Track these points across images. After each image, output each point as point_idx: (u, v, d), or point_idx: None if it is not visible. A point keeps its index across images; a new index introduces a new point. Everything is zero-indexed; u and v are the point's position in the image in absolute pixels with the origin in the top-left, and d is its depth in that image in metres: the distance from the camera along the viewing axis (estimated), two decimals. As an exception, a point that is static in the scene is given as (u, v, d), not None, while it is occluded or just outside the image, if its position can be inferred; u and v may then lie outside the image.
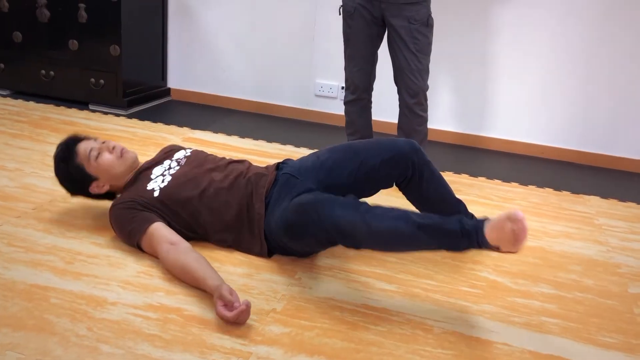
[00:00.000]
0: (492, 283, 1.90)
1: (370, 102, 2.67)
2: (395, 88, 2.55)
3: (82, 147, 1.96)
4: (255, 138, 3.19)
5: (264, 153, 2.95)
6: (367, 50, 2.53)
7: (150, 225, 1.81)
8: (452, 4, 3.20)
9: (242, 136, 3.22)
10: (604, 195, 2.78)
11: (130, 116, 3.41)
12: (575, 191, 2.81)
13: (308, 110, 3.65)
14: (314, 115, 3.64)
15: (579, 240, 2.28)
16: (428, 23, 2.43)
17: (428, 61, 2.48)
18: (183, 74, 3.87)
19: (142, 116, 3.42)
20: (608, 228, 2.41)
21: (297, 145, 3.12)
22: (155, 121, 3.33)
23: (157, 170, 1.98)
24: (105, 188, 1.99)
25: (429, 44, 2.47)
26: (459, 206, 2.04)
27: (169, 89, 3.92)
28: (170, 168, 1.98)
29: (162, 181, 1.92)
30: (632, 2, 3.01)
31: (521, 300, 1.81)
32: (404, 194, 2.03)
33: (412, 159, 1.93)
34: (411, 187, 1.98)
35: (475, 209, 2.35)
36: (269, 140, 3.18)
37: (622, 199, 2.76)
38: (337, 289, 1.78)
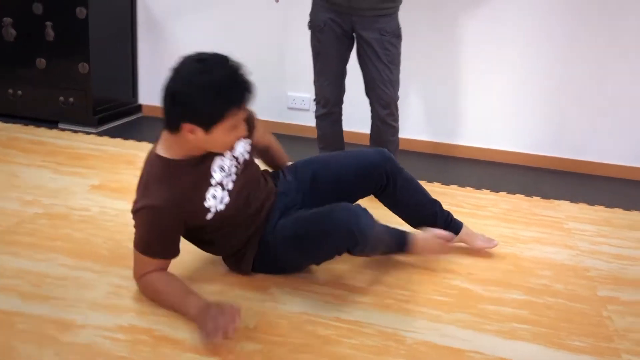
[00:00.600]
0: (464, 291, 1.91)
1: (341, 115, 2.68)
2: (365, 99, 2.57)
3: (243, 111, 1.65)
4: (228, 152, 3.17)
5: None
6: (337, 64, 2.54)
7: (168, 259, 1.72)
8: (420, 12, 3.23)
9: (215, 151, 3.19)
10: (574, 200, 2.82)
11: (100, 134, 3.37)
12: (545, 196, 2.85)
13: (281, 122, 3.65)
14: (287, 128, 3.64)
15: (549, 245, 2.31)
16: (398, 34, 2.46)
17: (398, 72, 2.51)
18: (154, 90, 3.79)
19: (113, 133, 3.39)
20: (577, 232, 2.45)
21: (270, 159, 3.11)
22: (126, 138, 3.29)
23: (217, 171, 1.72)
24: (190, 138, 1.61)
25: (399, 54, 2.49)
26: (435, 206, 2.11)
27: (140, 105, 3.89)
28: (229, 174, 1.75)
29: (221, 201, 1.73)
30: (602, 9, 3.07)
31: (492, 307, 1.83)
32: (380, 201, 2.09)
33: (385, 168, 2.01)
34: (386, 194, 2.06)
35: (447, 218, 2.37)
36: (242, 154, 3.16)
37: (591, 202, 2.81)
38: (310, 303, 1.78)
